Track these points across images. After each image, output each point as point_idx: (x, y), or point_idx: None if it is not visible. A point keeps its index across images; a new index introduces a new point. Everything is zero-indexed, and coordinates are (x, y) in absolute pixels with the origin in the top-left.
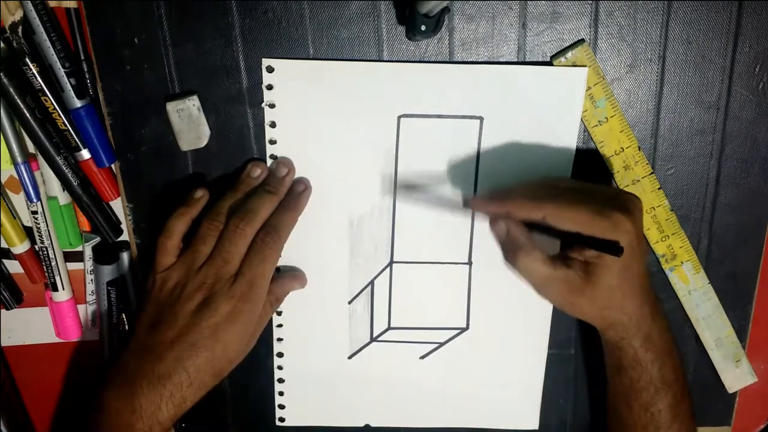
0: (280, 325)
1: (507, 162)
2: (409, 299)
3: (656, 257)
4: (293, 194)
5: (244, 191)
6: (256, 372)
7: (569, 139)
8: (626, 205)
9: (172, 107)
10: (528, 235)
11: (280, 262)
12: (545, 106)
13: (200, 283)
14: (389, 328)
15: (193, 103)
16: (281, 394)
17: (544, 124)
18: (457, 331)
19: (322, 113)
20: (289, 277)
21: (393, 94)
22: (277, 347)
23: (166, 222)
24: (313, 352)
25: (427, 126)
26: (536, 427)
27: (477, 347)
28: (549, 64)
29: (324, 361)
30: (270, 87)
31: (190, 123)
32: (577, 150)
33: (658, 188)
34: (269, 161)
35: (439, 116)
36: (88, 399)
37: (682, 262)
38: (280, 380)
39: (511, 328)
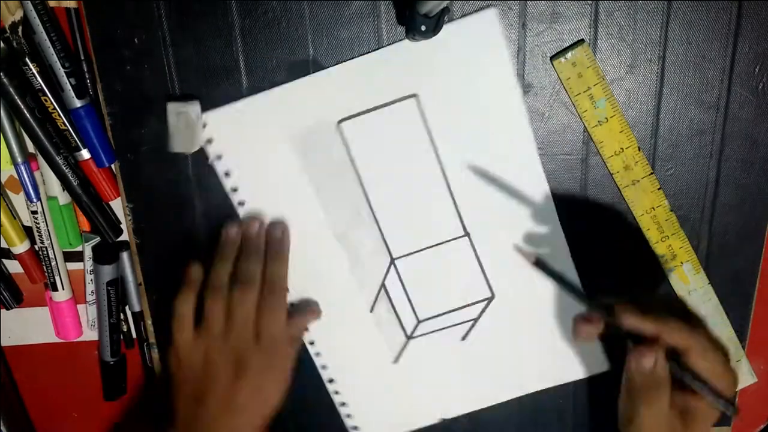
0: (318, 354)
1: (459, 127)
2: (427, 288)
3: (656, 257)
4: (274, 240)
5: (230, 255)
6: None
7: (509, 86)
8: (729, 359)
9: (173, 108)
10: (668, 372)
11: (290, 298)
12: (469, 62)
13: (228, 353)
14: (419, 321)
15: (193, 109)
16: (349, 416)
17: (477, 79)
18: (485, 301)
19: (269, 145)
20: (299, 315)
21: (326, 104)
22: (324, 374)
23: (174, 306)
24: (360, 368)
25: (369, 121)
26: (608, 368)
27: (512, 311)
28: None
29: (373, 372)
30: (210, 141)
31: (186, 128)
32: (576, 152)
33: (658, 188)
34: (237, 207)
35: (375, 108)
36: None
37: (682, 263)
38: (343, 404)
39: (536, 283)
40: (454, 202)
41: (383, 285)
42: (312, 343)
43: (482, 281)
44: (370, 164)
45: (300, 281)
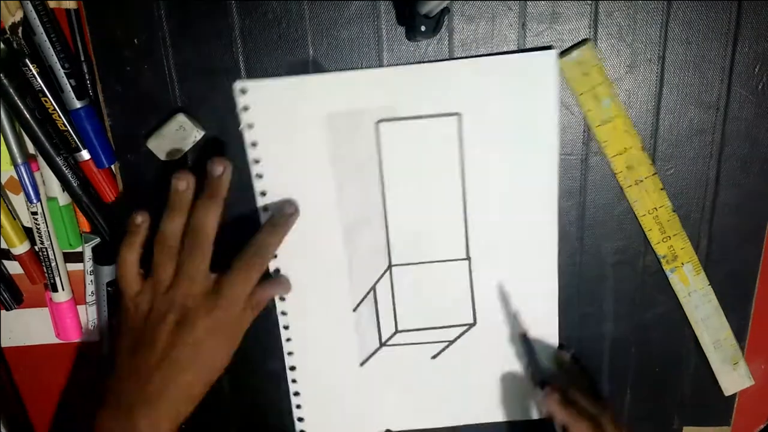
0: (288, 339)
1: (491, 155)
2: (414, 301)
3: (657, 258)
4: (282, 215)
5: (181, 207)
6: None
7: (550, 126)
8: None
9: (181, 119)
10: None
11: (279, 267)
12: (520, 94)
13: (169, 305)
14: (397, 331)
15: (195, 133)
16: (299, 407)
17: (521, 112)
18: (466, 327)
19: (301, 128)
20: (270, 283)
21: (370, 101)
22: (289, 361)
23: (119, 253)
24: (324, 362)
25: (407, 128)
26: None
27: (487, 341)
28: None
29: (336, 370)
30: (246, 108)
31: (174, 139)
32: (576, 152)
33: (661, 189)
34: (256, 182)
35: (417, 117)
36: (84, 425)
37: (683, 264)
38: (296, 393)
39: (519, 320)
40: (465, 225)
41: (374, 288)
42: (287, 327)
43: (469, 307)
44: (397, 170)
45: (294, 260)
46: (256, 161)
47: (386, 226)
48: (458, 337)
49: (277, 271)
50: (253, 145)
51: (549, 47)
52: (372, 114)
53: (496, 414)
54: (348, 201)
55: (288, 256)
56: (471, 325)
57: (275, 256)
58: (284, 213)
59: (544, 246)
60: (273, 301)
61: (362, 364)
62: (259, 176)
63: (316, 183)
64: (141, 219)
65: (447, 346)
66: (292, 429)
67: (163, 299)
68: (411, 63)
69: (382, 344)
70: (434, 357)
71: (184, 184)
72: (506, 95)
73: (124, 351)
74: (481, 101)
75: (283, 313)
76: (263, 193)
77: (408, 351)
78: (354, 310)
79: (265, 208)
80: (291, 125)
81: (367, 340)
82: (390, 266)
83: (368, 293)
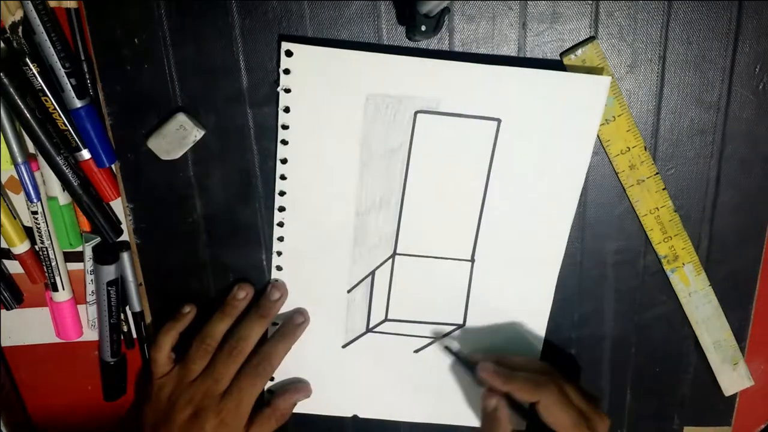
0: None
1: (520, 165)
2: (409, 292)
3: (658, 258)
4: (291, 324)
5: (232, 314)
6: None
7: (584, 148)
8: (598, 426)
9: (181, 119)
10: (510, 416)
11: (284, 236)
12: (564, 113)
13: (190, 398)
14: (386, 319)
15: (195, 132)
16: (272, 379)
17: (561, 130)
18: (454, 327)
19: (338, 102)
20: (292, 390)
21: (413, 90)
22: (272, 330)
23: (156, 336)
24: (307, 338)
25: (444, 124)
26: (523, 428)
27: (472, 345)
28: (563, 68)
29: (318, 348)
30: (287, 71)
31: (173, 139)
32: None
33: (663, 189)
34: (280, 147)
35: (456, 115)
36: None
37: (683, 264)
38: None
39: (508, 328)
40: (478, 227)
41: (373, 273)
42: (279, 268)
43: (461, 308)
44: (424, 162)
45: (301, 230)
46: (284, 127)
47: (399, 215)
48: (445, 335)
49: (280, 238)
50: (286, 110)
51: (601, 70)
52: (413, 103)
53: (467, 419)
54: (367, 183)
55: (296, 225)
56: (460, 326)
57: (281, 225)
58: (294, 323)
59: (548, 261)
60: (268, 265)
61: (345, 346)
62: (284, 143)
63: (341, 160)
64: (188, 309)
65: (431, 343)
66: (267, 397)
67: (186, 389)
68: (460, 59)
69: (368, 329)
70: (417, 351)
71: (243, 293)
72: (550, 111)
73: (146, 425)
74: (523, 111)
75: (277, 281)
76: (284, 161)
77: (392, 341)
78: (348, 291)
79: (282, 192)
80: (328, 98)
81: (355, 324)
82: (394, 254)
83: (366, 277)
